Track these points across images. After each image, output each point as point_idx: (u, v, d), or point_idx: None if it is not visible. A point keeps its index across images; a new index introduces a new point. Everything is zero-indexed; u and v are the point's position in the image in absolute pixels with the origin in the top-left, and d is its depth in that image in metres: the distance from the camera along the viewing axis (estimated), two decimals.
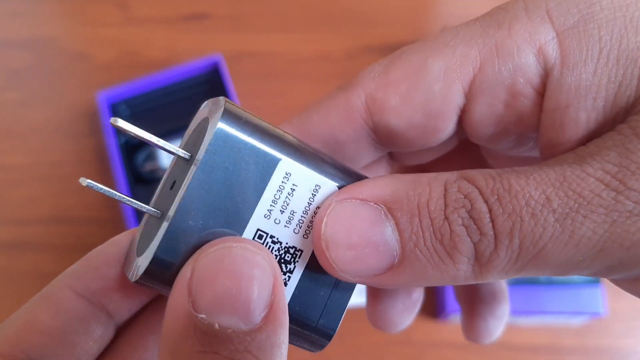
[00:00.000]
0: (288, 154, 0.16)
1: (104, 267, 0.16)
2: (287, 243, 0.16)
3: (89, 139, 0.51)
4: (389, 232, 0.14)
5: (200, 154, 0.15)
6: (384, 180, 0.15)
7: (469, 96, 0.16)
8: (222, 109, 0.15)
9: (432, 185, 0.14)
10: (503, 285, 0.24)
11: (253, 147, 0.15)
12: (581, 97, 0.15)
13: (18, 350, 0.15)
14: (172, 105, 0.50)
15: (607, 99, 0.15)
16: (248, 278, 0.13)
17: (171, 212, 0.15)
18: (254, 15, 0.56)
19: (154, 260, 0.14)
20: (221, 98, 0.16)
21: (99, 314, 0.16)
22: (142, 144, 0.48)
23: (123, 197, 0.16)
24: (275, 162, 0.15)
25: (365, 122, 0.17)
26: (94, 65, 0.54)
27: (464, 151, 0.22)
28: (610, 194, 0.13)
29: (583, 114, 0.15)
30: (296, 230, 0.16)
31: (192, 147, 0.16)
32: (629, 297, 0.47)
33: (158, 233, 0.15)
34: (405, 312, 0.23)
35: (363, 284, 0.15)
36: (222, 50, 0.51)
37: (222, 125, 0.15)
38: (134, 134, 0.15)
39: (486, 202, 0.14)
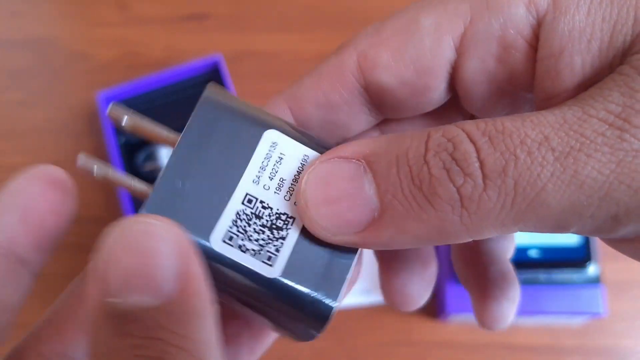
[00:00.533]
0: (273, 126, 0.16)
1: (7, 214, 0.15)
2: (277, 209, 0.15)
3: (89, 139, 0.51)
4: (366, 184, 0.14)
5: (189, 121, 0.16)
6: (369, 139, 0.15)
7: (460, 50, 0.16)
8: (211, 84, 0.17)
9: (415, 135, 0.14)
10: (510, 266, 0.23)
11: (238, 116, 0.16)
12: (575, 40, 0.14)
13: None
14: (172, 105, 0.50)
15: (602, 40, 0.14)
16: (151, 252, 0.12)
17: (161, 173, 0.15)
18: (254, 15, 0.56)
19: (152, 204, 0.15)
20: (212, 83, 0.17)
21: (10, 264, 0.15)
22: (142, 144, 0.48)
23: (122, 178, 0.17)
24: (260, 132, 0.16)
25: (357, 81, 0.17)
26: (94, 65, 0.54)
27: None
28: (615, 132, 0.12)
29: (578, 58, 0.14)
30: (287, 197, 0.16)
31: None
32: (629, 298, 0.48)
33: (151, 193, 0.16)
34: (423, 285, 0.22)
35: (347, 244, 0.15)
36: (222, 50, 0.51)
37: (209, 93, 0.16)
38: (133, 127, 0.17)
39: (474, 143, 0.13)
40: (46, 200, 0.15)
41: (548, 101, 0.15)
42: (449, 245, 0.44)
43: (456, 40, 0.16)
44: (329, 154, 0.15)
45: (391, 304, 0.22)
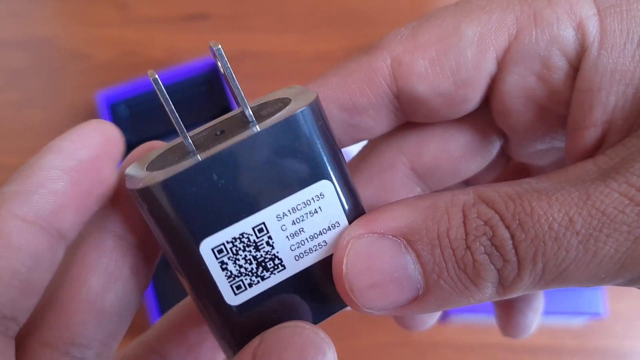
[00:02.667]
0: (335, 179, 0.15)
1: (50, 182, 0.14)
2: (277, 252, 0.15)
3: None
4: (411, 266, 0.14)
5: (268, 123, 0.14)
6: (400, 210, 0.15)
7: (502, 65, 0.15)
8: (314, 99, 0.15)
9: (450, 212, 0.14)
10: None
11: (315, 149, 0.15)
12: (614, 82, 0.14)
13: None
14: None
15: (638, 88, 0.14)
16: None
17: (207, 154, 0.14)
18: (254, 15, 0.56)
19: (166, 184, 0.14)
20: (314, 92, 0.16)
21: (51, 239, 0.14)
22: (142, 143, 0.48)
23: (173, 113, 0.16)
24: (320, 176, 0.15)
25: (388, 87, 0.16)
26: (93, 65, 0.54)
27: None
28: (635, 209, 0.13)
29: (613, 99, 0.14)
30: (293, 248, 0.15)
31: (256, 113, 0.16)
32: (629, 298, 0.48)
33: (181, 163, 0.14)
34: (533, 317, 0.23)
35: (388, 314, 0.15)
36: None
37: (306, 112, 0.14)
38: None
39: (508, 228, 0.13)
40: (98, 167, 0.15)
41: (576, 131, 0.15)
42: None
43: (499, 54, 0.15)
44: (362, 227, 0.15)
45: (505, 335, 0.23)
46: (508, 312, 0.23)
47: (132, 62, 0.54)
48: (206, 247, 0.14)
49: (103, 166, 0.15)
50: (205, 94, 0.51)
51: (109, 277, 0.15)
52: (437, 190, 0.20)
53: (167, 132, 0.49)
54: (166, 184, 0.14)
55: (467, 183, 0.22)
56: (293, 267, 0.15)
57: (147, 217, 0.14)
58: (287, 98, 0.16)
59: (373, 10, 0.56)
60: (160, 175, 0.14)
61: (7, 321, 0.13)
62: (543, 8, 0.15)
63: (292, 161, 0.14)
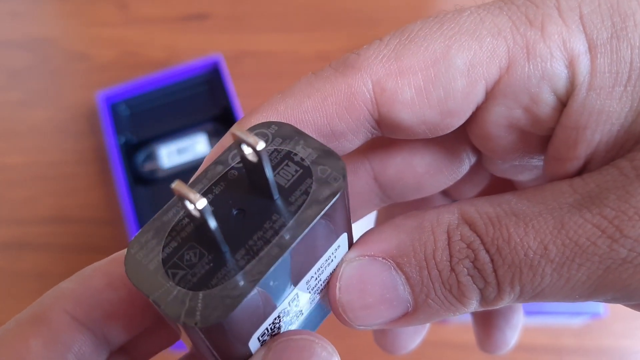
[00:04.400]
0: (348, 229, 0.15)
1: (107, 290, 0.14)
2: (302, 309, 0.15)
3: (89, 139, 0.51)
4: (401, 287, 0.15)
5: (310, 217, 0.13)
6: (389, 232, 0.15)
7: (490, 95, 0.15)
8: (343, 179, 0.13)
9: (436, 233, 0.15)
10: None
11: (342, 213, 0.14)
12: (600, 122, 0.14)
13: None
14: (172, 105, 0.50)
15: (623, 125, 0.14)
16: None
17: (257, 275, 0.12)
18: (254, 15, 0.56)
19: (229, 319, 0.12)
20: (342, 162, 0.14)
21: (96, 342, 0.15)
22: (142, 143, 0.48)
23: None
24: (341, 231, 0.15)
25: (370, 113, 0.15)
26: (94, 65, 0.54)
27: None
28: (606, 241, 0.13)
29: (598, 136, 0.15)
30: (312, 297, 0.15)
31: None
32: None
33: (235, 285, 0.12)
34: (512, 334, 0.24)
35: (379, 329, 0.16)
36: (222, 50, 0.51)
37: (343, 192, 0.13)
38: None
39: (488, 252, 0.14)
40: None
41: (557, 161, 0.16)
42: None
43: (489, 86, 0.15)
44: (353, 251, 0.15)
45: (483, 350, 0.24)
46: (486, 329, 0.24)
47: (132, 62, 0.54)
48: (254, 341, 0.14)
49: None
50: (205, 94, 0.51)
51: None
52: (398, 202, 0.20)
53: (168, 132, 0.49)
54: (229, 319, 0.12)
55: (446, 193, 0.22)
56: (308, 309, 0.16)
57: (198, 340, 0.13)
58: (302, 160, 0.14)
59: (373, 10, 0.56)
60: (218, 309, 0.12)
61: None
62: (536, 41, 0.14)
63: (324, 231, 0.14)
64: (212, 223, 0.12)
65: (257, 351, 0.14)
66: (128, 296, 0.15)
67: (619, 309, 0.44)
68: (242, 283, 0.12)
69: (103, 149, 0.50)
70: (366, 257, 0.15)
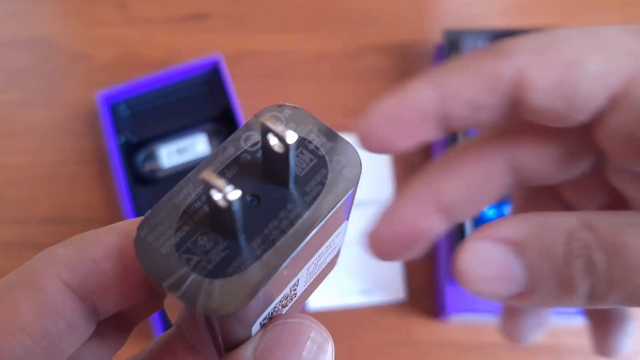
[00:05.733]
0: (348, 217, 0.16)
1: (104, 261, 0.14)
2: (298, 292, 0.15)
3: (89, 139, 0.51)
4: (518, 270, 0.16)
5: (324, 208, 0.13)
6: (515, 222, 0.17)
7: (612, 104, 0.17)
8: (359, 172, 0.14)
9: (558, 232, 0.16)
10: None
11: (350, 206, 0.14)
12: None
13: None
14: (172, 105, 0.50)
15: None
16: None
17: (274, 266, 0.12)
18: (254, 15, 0.56)
19: (248, 307, 0.12)
20: (357, 155, 0.14)
21: (87, 311, 0.14)
22: (142, 143, 0.48)
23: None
24: (344, 220, 0.15)
25: (509, 94, 0.18)
26: (94, 65, 0.54)
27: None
28: None
29: None
30: (307, 282, 0.15)
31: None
32: None
33: (253, 272, 0.12)
34: (538, 328, 0.25)
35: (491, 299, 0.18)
36: (222, 50, 0.51)
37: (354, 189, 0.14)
38: None
39: (603, 253, 0.15)
40: None
41: None
42: (448, 246, 0.44)
43: (615, 94, 0.17)
44: (482, 231, 0.17)
45: (508, 339, 0.25)
46: (603, 335, 0.25)
47: (132, 62, 0.54)
48: (256, 325, 0.14)
49: None
50: (205, 94, 0.51)
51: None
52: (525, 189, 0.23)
53: (168, 132, 0.49)
54: (248, 307, 0.12)
55: (566, 205, 0.24)
56: (301, 292, 0.16)
57: (205, 326, 0.13)
58: (317, 149, 0.14)
59: (373, 10, 0.56)
60: (237, 298, 0.12)
61: None
62: None
63: (333, 221, 0.14)
64: (238, 213, 0.12)
65: (255, 334, 0.14)
66: (124, 271, 0.14)
67: None
68: (259, 273, 0.12)
69: (103, 149, 0.50)
70: (491, 239, 0.17)
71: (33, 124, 0.52)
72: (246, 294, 0.12)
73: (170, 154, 0.48)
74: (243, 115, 0.47)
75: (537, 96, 0.17)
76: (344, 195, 0.13)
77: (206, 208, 0.13)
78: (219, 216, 0.12)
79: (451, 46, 0.46)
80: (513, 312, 0.25)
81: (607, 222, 0.16)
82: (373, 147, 0.18)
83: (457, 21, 0.54)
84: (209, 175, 0.11)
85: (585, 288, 0.16)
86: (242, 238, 0.13)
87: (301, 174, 0.14)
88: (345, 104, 0.51)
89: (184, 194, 0.13)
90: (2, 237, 0.48)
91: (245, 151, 0.14)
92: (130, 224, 0.15)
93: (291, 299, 0.15)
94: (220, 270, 0.12)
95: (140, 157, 0.48)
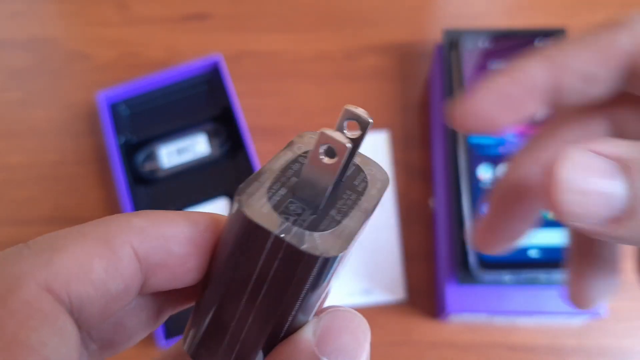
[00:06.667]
0: None
1: (172, 239, 0.15)
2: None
3: (89, 139, 0.51)
4: (621, 187, 0.15)
5: (373, 196, 0.16)
6: (621, 142, 0.16)
7: None
8: (387, 175, 0.17)
9: None
10: (619, 255, 0.24)
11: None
12: None
13: (65, 293, 0.13)
14: (172, 105, 0.50)
15: None
16: (364, 344, 0.15)
17: (355, 228, 0.15)
18: (254, 15, 0.56)
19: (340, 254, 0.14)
20: (386, 173, 0.17)
21: (141, 282, 0.15)
22: (142, 143, 0.48)
23: None
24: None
25: (625, 64, 0.18)
26: (94, 65, 0.54)
27: None
28: None
29: None
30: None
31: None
32: (629, 298, 0.48)
33: (341, 228, 0.14)
34: (605, 292, 0.24)
35: (581, 230, 0.16)
36: (222, 50, 0.51)
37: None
38: None
39: None
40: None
41: None
42: (448, 245, 0.44)
43: None
44: (583, 145, 0.16)
45: (575, 303, 0.24)
46: (582, 279, 0.24)
47: (132, 62, 0.54)
48: (317, 303, 0.16)
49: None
50: (205, 94, 0.51)
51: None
52: None
53: (168, 132, 0.49)
54: (346, 251, 0.14)
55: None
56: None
57: (296, 275, 0.14)
58: (362, 171, 0.17)
59: (373, 10, 0.56)
60: (338, 243, 0.14)
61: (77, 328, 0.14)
62: None
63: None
64: (335, 175, 0.14)
65: (309, 322, 0.15)
66: (186, 255, 0.15)
67: (619, 309, 0.44)
68: (349, 226, 0.15)
69: (103, 149, 0.50)
70: (595, 153, 0.16)
71: (33, 124, 0.52)
72: (345, 239, 0.14)
73: (170, 154, 0.48)
74: (243, 115, 0.47)
75: None
76: (384, 190, 0.16)
77: (293, 180, 0.15)
78: (301, 189, 0.15)
79: (451, 46, 0.46)
80: (580, 275, 0.23)
81: None
82: (477, 125, 0.18)
83: (457, 21, 0.54)
84: (329, 131, 0.14)
85: None
86: (322, 208, 0.15)
87: (347, 174, 0.16)
88: (345, 103, 0.50)
89: (266, 176, 0.15)
90: (2, 237, 0.48)
91: (300, 156, 0.16)
92: (200, 215, 0.16)
93: (327, 294, 0.17)
94: (314, 227, 0.14)
95: (140, 157, 0.48)
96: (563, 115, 0.21)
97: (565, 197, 0.16)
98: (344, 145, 0.14)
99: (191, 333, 0.16)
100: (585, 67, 0.18)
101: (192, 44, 0.54)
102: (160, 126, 0.49)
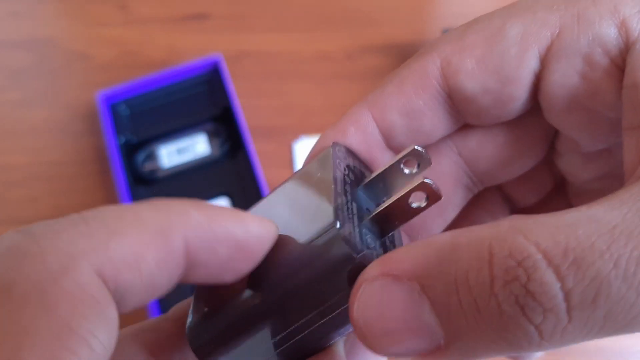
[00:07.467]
0: None
1: (223, 246, 0.14)
2: None
3: (89, 139, 0.51)
4: (426, 314, 0.12)
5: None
6: (418, 248, 0.13)
7: (545, 62, 0.16)
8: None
9: (473, 249, 0.12)
10: None
11: None
12: None
13: (114, 279, 0.13)
14: (172, 105, 0.50)
15: None
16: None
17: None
18: (254, 15, 0.56)
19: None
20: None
21: (180, 278, 0.14)
22: (142, 143, 0.48)
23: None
24: None
25: (440, 87, 0.17)
26: (94, 65, 0.54)
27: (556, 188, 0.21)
28: None
29: None
30: None
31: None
32: None
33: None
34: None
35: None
36: (222, 50, 0.51)
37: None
38: None
39: (556, 270, 0.11)
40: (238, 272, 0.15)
41: (631, 131, 0.14)
42: None
43: (542, 52, 0.16)
44: (375, 268, 0.13)
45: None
46: None
47: (132, 62, 0.54)
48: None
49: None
50: (205, 94, 0.51)
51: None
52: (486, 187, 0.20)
53: (168, 132, 0.49)
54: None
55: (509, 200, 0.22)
56: None
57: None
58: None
59: (373, 10, 0.56)
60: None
61: None
62: (587, 7, 0.15)
63: None
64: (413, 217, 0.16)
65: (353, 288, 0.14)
66: (230, 257, 0.14)
67: None
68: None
69: (103, 149, 0.50)
70: (389, 277, 0.13)
71: (33, 124, 0.52)
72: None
73: (170, 154, 0.48)
74: (243, 115, 0.47)
75: (465, 79, 0.16)
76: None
77: (364, 212, 0.16)
78: (385, 220, 0.16)
79: None
80: None
81: (551, 222, 0.11)
82: None
83: (457, 21, 0.54)
84: (429, 180, 0.15)
85: (527, 329, 0.11)
86: (384, 238, 0.16)
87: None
88: (345, 104, 0.50)
89: (340, 191, 0.16)
90: None
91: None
92: (258, 224, 0.15)
93: None
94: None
95: (140, 157, 0.48)
96: None
97: (371, 341, 0.13)
98: (440, 197, 0.15)
99: (204, 324, 0.16)
100: (403, 102, 0.17)
101: (192, 44, 0.54)
102: (160, 126, 0.49)
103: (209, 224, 0.14)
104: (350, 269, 0.14)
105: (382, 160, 0.18)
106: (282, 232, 0.15)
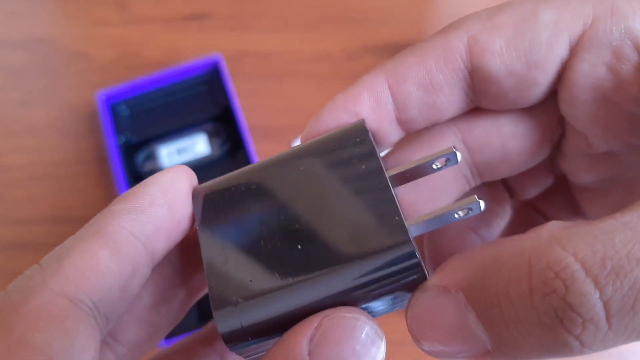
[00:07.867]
0: None
1: (154, 207, 0.16)
2: None
3: (89, 139, 0.51)
4: (473, 323, 0.13)
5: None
6: (464, 261, 0.14)
7: (574, 51, 0.16)
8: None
9: (513, 262, 0.12)
10: None
11: None
12: None
13: (81, 292, 0.14)
14: (172, 105, 0.50)
15: None
16: (365, 356, 0.14)
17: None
18: (254, 15, 0.56)
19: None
20: None
21: (148, 256, 0.16)
22: (142, 143, 0.48)
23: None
24: None
25: (463, 64, 0.16)
26: (93, 65, 0.54)
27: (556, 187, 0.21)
28: None
29: None
30: None
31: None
32: None
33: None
34: None
35: None
36: (222, 50, 0.51)
37: None
38: None
39: (595, 280, 0.11)
40: (188, 201, 0.17)
41: None
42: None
43: (573, 40, 0.16)
44: (434, 278, 0.14)
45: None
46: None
47: (132, 62, 0.54)
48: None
49: (190, 201, 0.17)
50: (205, 94, 0.51)
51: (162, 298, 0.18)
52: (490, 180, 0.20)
53: (168, 132, 0.49)
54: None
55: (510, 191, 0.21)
56: None
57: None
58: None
59: (373, 10, 0.56)
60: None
61: (102, 319, 0.15)
62: (621, 1, 0.15)
63: None
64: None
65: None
66: (168, 211, 0.16)
67: None
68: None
69: (103, 149, 0.50)
70: (439, 288, 0.14)
71: (33, 124, 0.52)
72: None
73: (170, 154, 0.48)
74: (243, 115, 0.47)
75: (491, 59, 0.16)
76: None
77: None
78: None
79: None
80: None
81: (587, 231, 0.11)
82: None
83: None
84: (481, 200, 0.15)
85: (567, 340, 0.11)
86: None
87: None
88: None
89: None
90: (2, 237, 0.48)
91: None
92: (165, 175, 0.17)
93: None
94: None
95: (140, 157, 0.48)
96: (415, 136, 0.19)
97: (425, 347, 0.15)
98: (480, 210, 0.15)
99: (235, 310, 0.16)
100: (423, 74, 0.17)
101: (192, 44, 0.54)
102: (160, 126, 0.49)
103: (133, 204, 0.16)
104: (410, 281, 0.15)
105: (389, 133, 0.18)
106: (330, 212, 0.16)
